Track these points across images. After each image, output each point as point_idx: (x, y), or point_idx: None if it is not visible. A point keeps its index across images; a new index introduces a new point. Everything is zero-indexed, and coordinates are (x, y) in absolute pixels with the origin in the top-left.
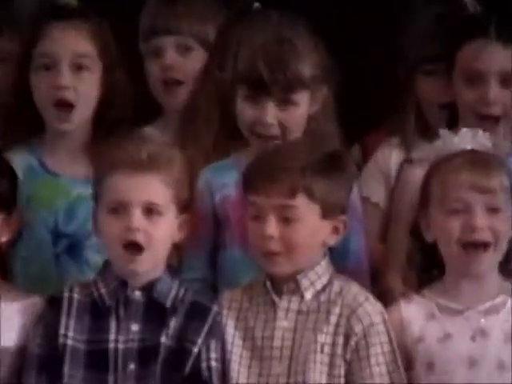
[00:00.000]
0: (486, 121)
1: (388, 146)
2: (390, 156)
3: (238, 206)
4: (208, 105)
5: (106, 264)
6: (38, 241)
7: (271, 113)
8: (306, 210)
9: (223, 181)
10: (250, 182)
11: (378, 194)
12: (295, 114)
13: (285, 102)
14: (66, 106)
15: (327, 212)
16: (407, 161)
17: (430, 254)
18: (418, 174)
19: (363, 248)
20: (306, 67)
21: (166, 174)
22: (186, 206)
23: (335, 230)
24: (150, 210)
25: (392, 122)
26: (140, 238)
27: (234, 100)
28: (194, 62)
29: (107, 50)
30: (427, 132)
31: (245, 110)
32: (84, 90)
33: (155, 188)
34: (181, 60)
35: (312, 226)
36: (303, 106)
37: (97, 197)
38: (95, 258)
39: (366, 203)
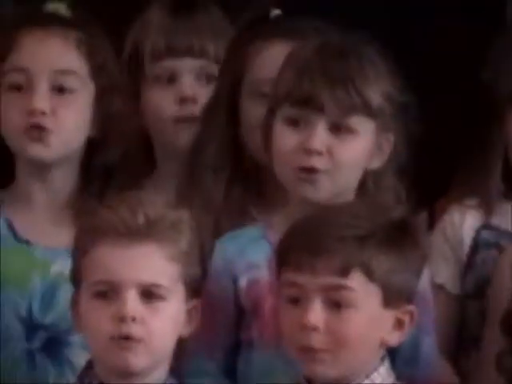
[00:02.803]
0: None
1: (459, 208)
2: (462, 222)
3: (272, 292)
4: (217, 146)
5: (89, 365)
6: (5, 332)
7: (320, 137)
8: (363, 294)
9: (250, 259)
10: (288, 254)
11: (444, 274)
12: (352, 146)
13: (340, 127)
14: (42, 131)
15: (390, 298)
16: (487, 227)
17: None
18: None
19: (436, 353)
20: (374, 94)
21: (170, 245)
22: (197, 287)
23: (399, 325)
24: (150, 294)
25: (469, 177)
26: (136, 331)
27: (266, 134)
28: None
29: (103, 68)
30: None
31: (283, 137)
32: (66, 117)
33: (156, 264)
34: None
35: (370, 316)
36: (363, 138)
37: (77, 276)
38: (80, 357)
39: None
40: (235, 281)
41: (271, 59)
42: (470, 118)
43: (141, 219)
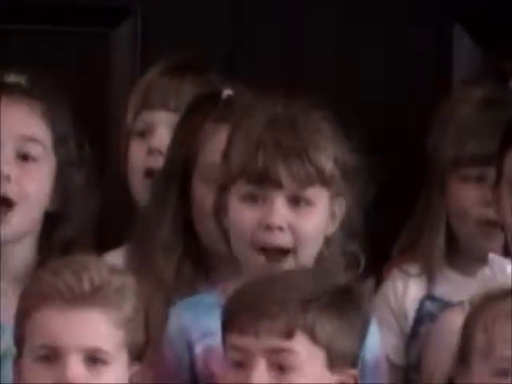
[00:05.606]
0: None
1: (402, 276)
2: (405, 292)
3: None
4: (169, 226)
5: None
6: None
7: (281, 212)
8: (307, 357)
9: (205, 326)
10: (233, 318)
11: (389, 344)
12: (311, 218)
13: (298, 200)
14: (3, 204)
15: (334, 362)
16: (430, 297)
17: None
18: (458, 322)
19: None
20: (326, 161)
21: (114, 311)
22: (141, 353)
23: None
24: (93, 359)
25: (413, 243)
26: None
27: (220, 209)
28: None
29: (65, 140)
30: (458, 259)
31: (242, 214)
32: (29, 187)
33: (100, 329)
34: None
35: (314, 379)
36: (321, 208)
37: (20, 341)
38: None
39: None
40: (191, 348)
41: (223, 145)
42: (416, 183)
43: (86, 285)
